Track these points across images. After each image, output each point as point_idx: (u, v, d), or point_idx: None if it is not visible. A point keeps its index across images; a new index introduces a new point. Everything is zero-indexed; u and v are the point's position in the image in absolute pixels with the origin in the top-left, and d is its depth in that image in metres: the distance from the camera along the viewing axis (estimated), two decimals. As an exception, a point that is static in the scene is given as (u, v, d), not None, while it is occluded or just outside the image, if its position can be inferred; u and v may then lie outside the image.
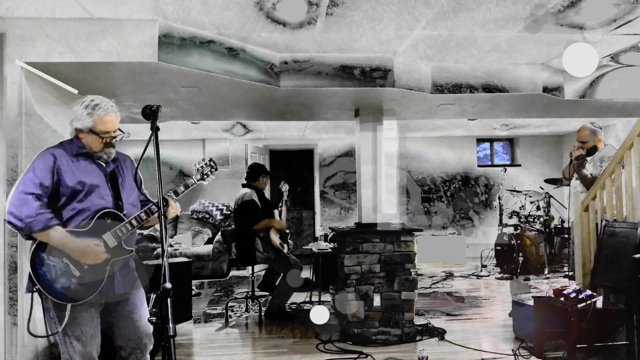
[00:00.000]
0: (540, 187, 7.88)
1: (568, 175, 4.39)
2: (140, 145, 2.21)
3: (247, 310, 5.38)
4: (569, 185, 4.44)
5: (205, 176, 2.51)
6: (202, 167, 2.51)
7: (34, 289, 2.11)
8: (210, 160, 2.55)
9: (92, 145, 2.26)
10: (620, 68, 4.72)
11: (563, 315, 3.35)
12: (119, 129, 2.30)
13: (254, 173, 5.15)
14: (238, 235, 5.07)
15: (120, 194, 2.31)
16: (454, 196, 9.41)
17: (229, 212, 8.19)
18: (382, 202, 4.70)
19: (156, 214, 2.23)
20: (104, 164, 2.31)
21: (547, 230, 7.14)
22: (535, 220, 7.40)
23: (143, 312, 2.39)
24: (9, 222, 2.08)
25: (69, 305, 2.13)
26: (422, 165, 9.43)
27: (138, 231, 2.51)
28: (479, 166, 9.54)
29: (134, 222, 2.23)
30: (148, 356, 2.43)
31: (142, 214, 2.25)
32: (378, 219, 4.63)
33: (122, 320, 2.33)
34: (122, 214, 2.27)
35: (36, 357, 3.33)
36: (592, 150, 4.23)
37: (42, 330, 2.24)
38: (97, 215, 2.19)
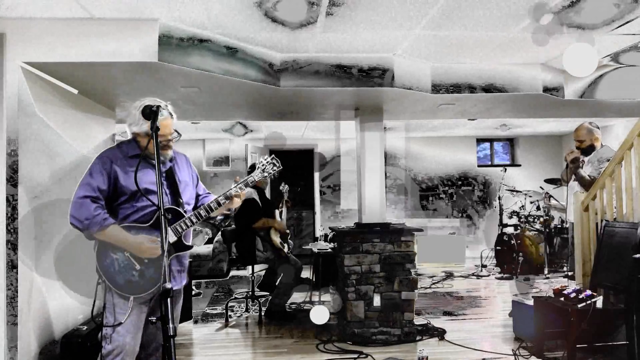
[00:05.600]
0: (540, 187, 7.88)
1: (566, 178, 4.38)
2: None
3: (247, 310, 5.38)
4: (567, 186, 4.44)
5: (267, 174, 2.53)
6: (264, 165, 2.52)
7: (99, 282, 2.22)
8: (273, 158, 2.54)
9: (149, 148, 2.25)
10: (620, 68, 4.72)
11: (563, 315, 3.35)
12: (175, 131, 2.36)
13: (255, 172, 5.15)
14: (238, 235, 5.07)
15: (179, 191, 2.38)
16: (453, 196, 9.41)
17: (229, 212, 8.18)
18: (382, 201, 4.70)
19: (220, 208, 2.38)
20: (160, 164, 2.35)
21: (547, 230, 7.14)
22: (535, 220, 7.40)
23: (175, 315, 2.42)
24: (72, 224, 2.19)
25: (131, 298, 2.19)
26: (422, 165, 9.43)
27: None
28: (479, 166, 9.54)
29: (193, 218, 2.30)
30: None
31: (202, 211, 2.32)
32: (378, 219, 4.63)
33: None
34: (182, 211, 2.33)
35: (36, 357, 3.33)
36: (590, 149, 4.22)
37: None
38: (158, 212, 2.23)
